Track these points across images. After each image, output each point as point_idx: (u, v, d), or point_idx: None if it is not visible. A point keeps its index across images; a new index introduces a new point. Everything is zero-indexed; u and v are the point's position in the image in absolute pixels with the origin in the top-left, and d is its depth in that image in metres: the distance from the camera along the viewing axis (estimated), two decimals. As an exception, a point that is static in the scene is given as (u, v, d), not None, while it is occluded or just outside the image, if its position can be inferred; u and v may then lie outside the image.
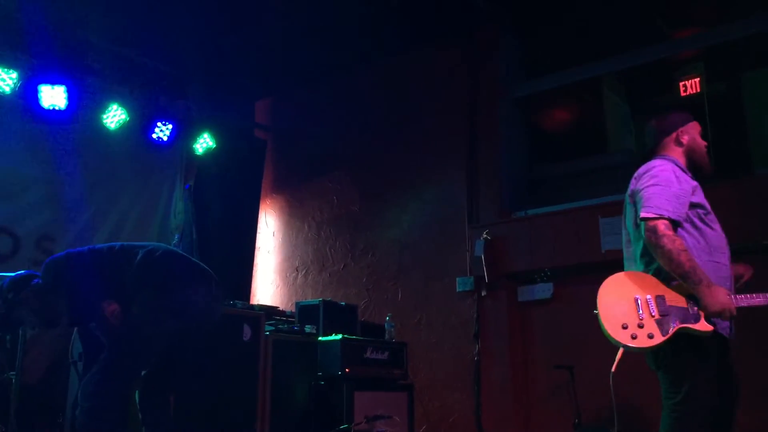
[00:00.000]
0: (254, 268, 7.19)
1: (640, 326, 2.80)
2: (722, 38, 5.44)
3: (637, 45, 5.84)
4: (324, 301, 5.23)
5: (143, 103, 6.08)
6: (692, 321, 2.76)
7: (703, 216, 2.90)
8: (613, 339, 2.85)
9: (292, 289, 7.00)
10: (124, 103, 5.93)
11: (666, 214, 2.80)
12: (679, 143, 3.08)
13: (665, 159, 3.01)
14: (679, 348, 2.77)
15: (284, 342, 4.75)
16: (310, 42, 6.52)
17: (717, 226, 2.93)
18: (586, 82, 6.24)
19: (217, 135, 6.54)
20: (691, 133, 3.08)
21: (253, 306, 5.17)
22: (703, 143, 3.08)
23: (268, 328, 4.71)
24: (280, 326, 4.93)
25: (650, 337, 2.77)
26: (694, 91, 5.90)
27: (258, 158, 7.33)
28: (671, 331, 2.75)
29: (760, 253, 3.35)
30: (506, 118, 6.20)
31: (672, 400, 2.76)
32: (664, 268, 2.82)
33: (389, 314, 5.53)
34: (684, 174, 2.97)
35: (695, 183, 2.95)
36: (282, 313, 5.43)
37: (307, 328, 4.99)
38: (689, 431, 2.69)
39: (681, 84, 5.98)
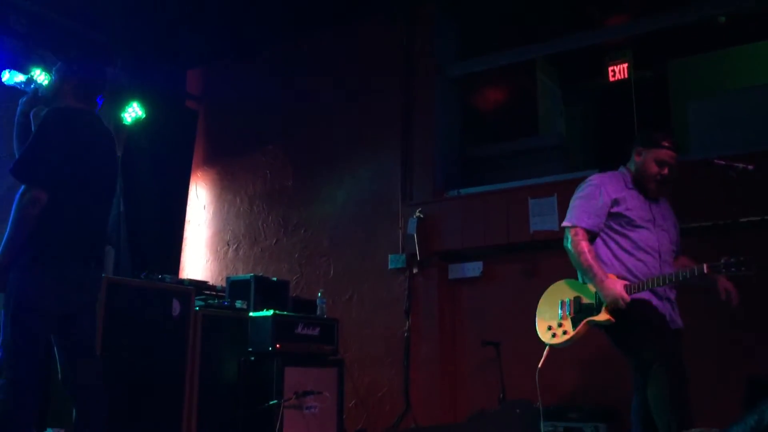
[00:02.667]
0: (184, 241, 7.06)
1: (559, 325, 3.41)
2: (650, 27, 5.60)
3: (569, 30, 5.96)
4: (255, 277, 5.19)
5: (68, 68, 5.82)
6: (595, 314, 3.28)
7: (625, 223, 3.34)
8: (541, 339, 3.47)
9: (223, 264, 6.91)
10: (47, 69, 5.68)
11: (580, 224, 3.34)
12: (633, 160, 3.46)
13: (611, 173, 3.48)
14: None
15: (214, 317, 4.70)
16: (245, 12, 6.37)
17: (645, 232, 3.33)
18: (519, 65, 6.34)
19: (146, 104, 6.35)
20: (648, 157, 3.36)
21: (182, 280, 5.09)
22: (655, 171, 3.34)
23: (197, 303, 4.64)
24: (210, 301, 4.87)
25: (565, 333, 3.37)
26: (622, 77, 6.09)
27: (189, 129, 7.16)
28: (579, 326, 3.32)
29: (683, 235, 3.58)
30: (441, 98, 6.24)
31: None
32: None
33: (321, 290, 5.53)
34: (618, 186, 3.39)
35: (623, 195, 3.36)
36: (212, 288, 5.37)
37: (238, 304, 4.94)
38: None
39: (610, 69, 6.15)
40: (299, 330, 4.88)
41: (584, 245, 3.32)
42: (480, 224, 5.57)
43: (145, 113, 6.33)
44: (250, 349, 4.73)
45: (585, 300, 3.35)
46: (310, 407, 4.69)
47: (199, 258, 7.09)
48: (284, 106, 6.91)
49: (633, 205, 3.36)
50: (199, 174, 7.30)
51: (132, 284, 4.34)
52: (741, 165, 3.21)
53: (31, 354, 2.99)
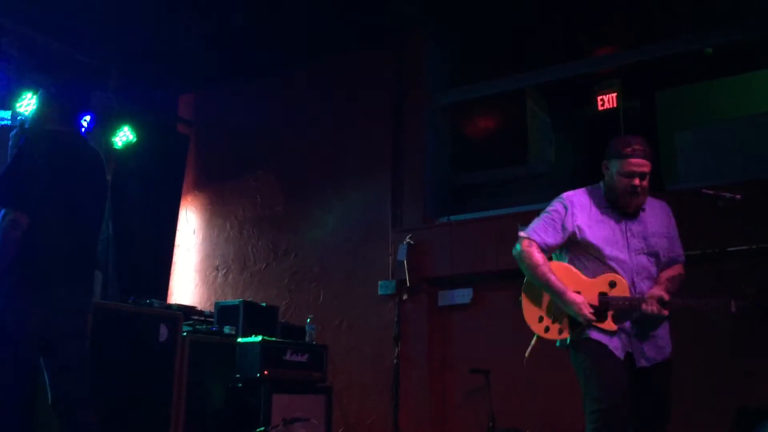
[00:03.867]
0: (173, 266, 7.03)
1: (555, 320, 3.10)
2: (638, 57, 5.69)
3: (559, 60, 6.03)
4: (244, 302, 5.17)
5: (60, 92, 5.83)
6: (600, 320, 3.00)
7: (593, 250, 3.08)
8: (530, 327, 3.15)
9: (212, 289, 6.87)
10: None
11: (533, 237, 3.14)
12: (604, 176, 3.18)
13: (585, 190, 3.23)
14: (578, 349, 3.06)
15: (202, 343, 4.66)
16: (236, 38, 6.43)
17: (614, 262, 3.06)
18: (509, 93, 6.40)
19: (137, 128, 6.36)
20: (613, 171, 3.08)
21: (170, 305, 5.06)
22: (624, 184, 3.06)
23: (185, 328, 4.61)
24: (198, 327, 4.84)
25: (561, 332, 3.09)
26: (611, 106, 6.15)
27: (180, 154, 7.17)
28: (581, 329, 3.00)
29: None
30: (431, 125, 6.28)
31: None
32: None
33: (310, 316, 5.51)
34: (587, 209, 3.13)
35: (589, 222, 3.10)
36: (200, 313, 5.32)
37: (226, 329, 4.91)
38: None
39: (599, 98, 6.22)
40: (288, 356, 4.84)
41: (539, 257, 3.11)
42: (470, 251, 5.58)
43: (136, 137, 6.33)
44: (238, 376, 4.69)
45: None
46: (298, 435, 4.64)
47: (187, 283, 7.05)
48: (275, 131, 6.93)
49: (597, 230, 3.11)
50: (189, 198, 7.29)
51: (120, 309, 4.31)
52: (728, 194, 3.21)
53: (15, 380, 2.95)
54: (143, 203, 6.53)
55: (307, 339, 5.23)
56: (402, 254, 5.75)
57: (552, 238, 3.14)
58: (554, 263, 3.19)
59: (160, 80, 6.83)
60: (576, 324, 3.03)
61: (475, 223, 5.71)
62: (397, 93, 6.34)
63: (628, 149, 3.05)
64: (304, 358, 4.94)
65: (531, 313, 3.17)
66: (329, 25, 6.19)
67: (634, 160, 3.04)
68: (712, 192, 3.25)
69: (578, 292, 3.03)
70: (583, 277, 3.10)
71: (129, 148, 6.34)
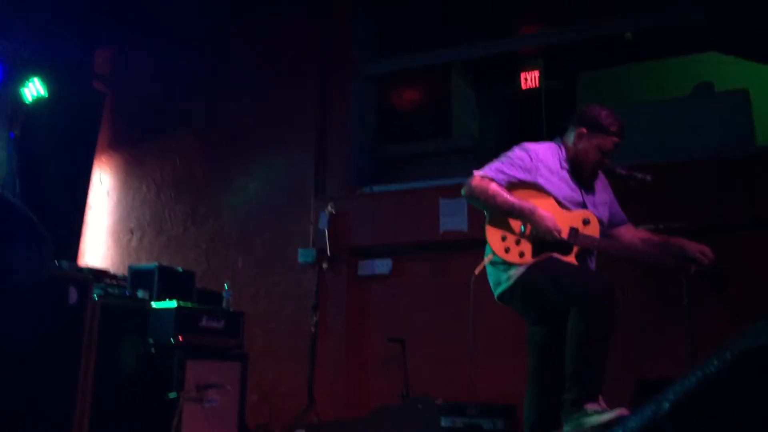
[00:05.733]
0: (84, 227, 6.77)
1: (518, 242, 3.00)
2: (560, 38, 5.81)
3: (485, 36, 6.09)
4: (159, 266, 5.04)
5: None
6: (563, 252, 2.97)
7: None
8: (491, 248, 3.02)
9: (126, 253, 6.67)
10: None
11: (489, 175, 3.01)
12: (572, 140, 3.13)
13: (547, 144, 3.16)
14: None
15: (114, 307, 4.52)
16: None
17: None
18: (436, 67, 6.43)
19: (49, 82, 6.05)
20: (592, 143, 3.06)
21: (81, 268, 4.88)
22: (595, 159, 3.07)
23: (96, 291, 4.46)
24: (110, 290, 4.69)
25: (522, 255, 2.98)
26: (534, 85, 6.28)
27: (95, 112, 6.86)
28: (541, 257, 2.96)
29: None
30: (358, 94, 6.25)
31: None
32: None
33: (228, 282, 5.43)
34: (552, 163, 3.09)
35: (552, 177, 3.07)
36: (113, 276, 5.16)
37: (140, 294, 4.78)
38: None
39: (522, 77, 6.33)
40: (203, 322, 4.77)
41: (495, 187, 2.96)
42: (391, 222, 5.62)
43: (48, 92, 6.02)
44: (151, 341, 4.59)
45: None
46: (211, 401, 4.59)
47: (100, 245, 6.82)
48: (197, 93, 6.73)
49: (560, 187, 3.08)
50: (103, 158, 7.02)
51: (26, 270, 4.12)
52: (640, 175, 3.32)
53: None
54: (53, 161, 6.24)
55: (224, 305, 5.16)
56: (323, 223, 5.74)
57: (517, 173, 3.02)
58: (524, 191, 3.05)
59: (75, 33, 6.49)
60: (540, 248, 2.96)
61: (398, 195, 5.75)
62: (325, 60, 6.26)
63: (617, 128, 3.06)
64: (220, 325, 4.88)
65: (494, 233, 3.03)
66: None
67: (617, 140, 3.08)
68: (624, 172, 3.35)
69: None
70: (559, 208, 3.04)
71: (40, 102, 6.03)
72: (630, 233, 3.36)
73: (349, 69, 6.22)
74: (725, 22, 4.64)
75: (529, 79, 6.31)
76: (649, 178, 3.30)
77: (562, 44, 5.97)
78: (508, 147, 3.28)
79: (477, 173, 3.05)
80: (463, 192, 3.09)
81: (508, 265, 3.01)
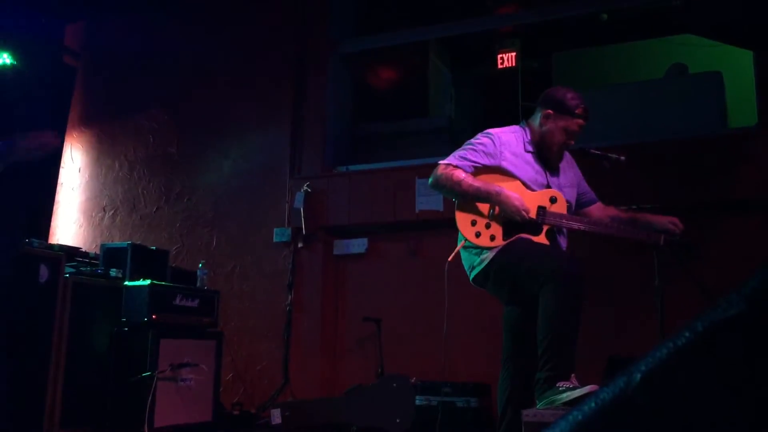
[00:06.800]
0: (55, 205, 6.67)
1: (488, 226, 3.02)
2: (536, 18, 5.82)
3: (463, 15, 6.08)
4: (132, 245, 4.98)
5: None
6: (532, 232, 3.00)
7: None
8: (462, 234, 3.05)
9: (98, 231, 6.59)
10: None
11: (455, 162, 3.05)
12: (538, 121, 3.14)
13: (510, 128, 3.19)
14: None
15: (86, 285, 4.47)
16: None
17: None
18: (413, 46, 6.41)
19: (18, 57, 5.91)
20: (557, 125, 3.07)
21: (52, 245, 4.81)
22: (561, 140, 3.08)
23: (68, 270, 4.40)
24: (82, 269, 4.64)
25: (493, 239, 3.01)
26: (510, 65, 6.29)
27: (66, 87, 6.75)
28: (513, 239, 2.98)
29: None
30: (334, 73, 6.20)
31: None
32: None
33: (202, 261, 5.40)
34: (514, 146, 3.11)
35: (516, 160, 3.09)
36: (85, 254, 5.10)
37: (113, 272, 4.73)
38: None
39: (499, 57, 6.34)
40: (177, 301, 4.74)
41: (460, 173, 2.99)
42: (367, 201, 5.61)
43: (17, 64, 5.89)
44: (124, 320, 4.55)
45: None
46: (186, 380, 4.58)
47: (71, 223, 6.73)
48: (170, 69, 6.63)
49: (524, 170, 3.10)
50: (75, 135, 6.90)
51: (-5, 247, 4.05)
52: (614, 156, 3.35)
53: None
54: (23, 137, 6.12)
55: (198, 284, 5.14)
56: (299, 202, 5.71)
57: (480, 159, 3.05)
58: (489, 175, 3.08)
59: (46, 6, 6.35)
60: (511, 230, 2.98)
61: (374, 174, 5.74)
62: (301, 37, 6.20)
63: (581, 110, 3.07)
64: (194, 303, 4.86)
65: (464, 219, 3.05)
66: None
67: (582, 122, 3.09)
68: (599, 152, 3.38)
69: None
70: (525, 189, 3.06)
71: (7, 76, 5.89)
72: (599, 211, 3.40)
73: (326, 47, 6.16)
74: (699, 4, 4.68)
75: (506, 59, 6.31)
76: (623, 158, 3.33)
77: (538, 25, 5.98)
78: (484, 127, 3.29)
79: (441, 162, 3.08)
80: (429, 182, 3.12)
81: (481, 249, 3.04)
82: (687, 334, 0.62)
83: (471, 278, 3.15)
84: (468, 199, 3.04)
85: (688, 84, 5.41)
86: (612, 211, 3.41)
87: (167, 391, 4.43)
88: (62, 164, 6.77)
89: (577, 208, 3.33)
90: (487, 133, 3.15)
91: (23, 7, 6.12)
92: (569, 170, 3.30)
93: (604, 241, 4.30)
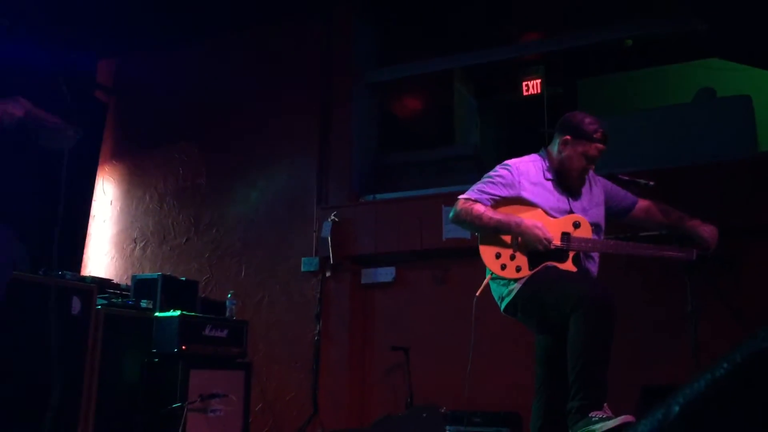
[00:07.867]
0: (87, 237, 6.78)
1: (512, 258, 3.01)
2: (561, 45, 5.83)
3: (487, 44, 6.12)
4: (163, 276, 5.04)
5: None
6: (558, 260, 2.98)
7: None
8: (489, 269, 3.04)
9: (129, 262, 6.68)
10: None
11: (473, 196, 3.06)
12: (557, 148, 3.13)
13: (530, 158, 3.18)
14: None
15: (117, 317, 4.52)
16: (160, 3, 6.20)
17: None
18: (438, 75, 6.46)
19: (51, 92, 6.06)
20: (576, 150, 3.05)
21: (84, 277, 4.88)
22: (581, 166, 3.06)
23: (100, 301, 4.46)
24: (113, 300, 4.69)
25: (519, 270, 2.99)
26: (535, 92, 6.30)
27: (97, 122, 6.90)
28: (539, 269, 2.96)
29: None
30: (359, 103, 6.26)
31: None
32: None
33: (231, 291, 5.43)
34: (534, 175, 3.10)
35: (536, 189, 3.08)
36: (116, 286, 5.16)
37: (143, 303, 4.78)
38: None
39: (524, 84, 6.36)
40: (207, 331, 4.77)
41: (479, 207, 3.01)
42: (394, 230, 5.62)
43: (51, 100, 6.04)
44: (155, 350, 4.59)
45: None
46: (215, 410, 4.59)
47: (103, 255, 6.83)
48: (199, 102, 6.76)
49: (545, 198, 3.09)
50: (106, 168, 7.04)
51: (30, 280, 4.13)
52: (643, 181, 3.33)
53: None
54: (56, 171, 6.25)
55: (227, 314, 5.16)
56: (326, 231, 5.74)
57: (499, 191, 3.06)
58: (510, 207, 3.08)
59: (78, 43, 6.52)
60: (536, 259, 2.97)
61: (400, 203, 5.75)
62: (325, 68, 6.28)
63: (600, 134, 3.04)
64: (223, 334, 4.88)
65: (488, 252, 3.05)
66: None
67: (601, 146, 3.06)
68: (627, 177, 3.36)
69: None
70: (547, 216, 3.05)
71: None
72: (643, 213, 3.33)
73: (350, 77, 6.23)
74: (726, 28, 4.66)
75: (531, 86, 6.33)
76: (651, 183, 3.31)
77: (563, 51, 5.99)
78: (510, 154, 3.28)
79: (461, 197, 3.10)
80: (450, 217, 3.12)
81: (508, 280, 3.03)
82: (725, 365, 0.62)
83: (502, 309, 3.14)
84: (489, 232, 3.05)
85: (717, 108, 5.36)
86: (661, 205, 3.32)
87: (197, 422, 4.44)
88: (94, 196, 6.89)
89: (621, 217, 3.29)
90: (505, 164, 3.15)
91: (56, 44, 6.29)
92: (594, 187, 3.26)
93: (634, 263, 4.25)
